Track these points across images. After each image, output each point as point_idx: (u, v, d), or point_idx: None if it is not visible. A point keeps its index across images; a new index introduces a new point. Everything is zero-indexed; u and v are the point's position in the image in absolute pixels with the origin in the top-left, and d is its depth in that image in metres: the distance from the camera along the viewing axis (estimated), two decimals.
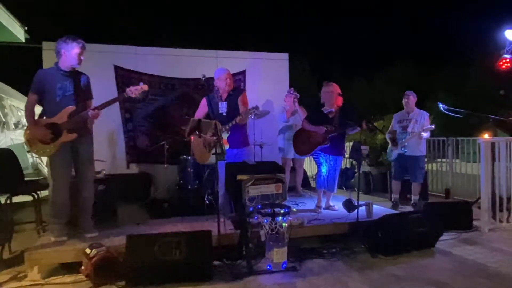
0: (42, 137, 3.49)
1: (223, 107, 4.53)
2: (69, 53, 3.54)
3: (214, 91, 4.67)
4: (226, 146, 4.34)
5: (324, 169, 4.79)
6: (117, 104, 5.76)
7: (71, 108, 3.54)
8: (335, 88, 4.71)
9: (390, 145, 5.69)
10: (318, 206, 4.79)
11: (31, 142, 3.52)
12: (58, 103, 3.53)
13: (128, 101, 5.82)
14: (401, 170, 5.61)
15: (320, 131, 4.59)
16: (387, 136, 5.75)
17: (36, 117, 3.61)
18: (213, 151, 3.68)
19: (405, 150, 5.41)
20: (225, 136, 4.36)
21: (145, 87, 3.71)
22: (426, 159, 6.27)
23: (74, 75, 3.65)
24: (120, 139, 6.05)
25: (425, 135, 5.31)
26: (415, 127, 5.40)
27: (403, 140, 5.43)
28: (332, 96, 4.68)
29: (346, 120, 4.59)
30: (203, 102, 4.70)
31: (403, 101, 5.58)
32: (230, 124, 4.34)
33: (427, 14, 22.66)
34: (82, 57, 3.61)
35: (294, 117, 5.80)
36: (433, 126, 5.34)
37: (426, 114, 5.52)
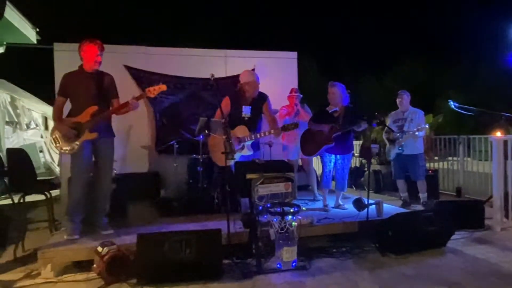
0: (66, 135, 3.61)
1: (246, 111, 4.48)
2: (88, 55, 3.67)
3: (237, 92, 4.59)
4: (249, 152, 4.36)
5: (328, 169, 4.79)
6: None
7: (94, 108, 3.64)
8: (338, 89, 4.72)
9: (387, 145, 5.68)
10: (325, 205, 4.78)
11: (56, 140, 3.65)
12: (82, 104, 3.65)
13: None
14: (400, 169, 5.62)
15: (324, 129, 4.58)
16: (384, 136, 5.76)
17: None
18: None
19: (402, 149, 5.40)
20: (249, 143, 4.39)
21: (163, 87, 3.80)
22: (436, 157, 6.23)
23: (98, 75, 3.76)
24: (130, 138, 6.08)
25: (420, 133, 5.28)
26: (411, 126, 5.38)
27: (400, 139, 5.41)
28: (335, 97, 4.70)
29: (351, 119, 4.58)
30: (226, 101, 4.59)
31: (397, 101, 5.58)
32: (263, 135, 4.34)
33: (437, 10, 22.42)
34: (100, 59, 3.71)
35: (292, 119, 5.71)
36: (427, 126, 5.34)
37: (421, 112, 5.52)
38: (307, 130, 4.85)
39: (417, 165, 5.43)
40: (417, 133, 5.25)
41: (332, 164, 4.80)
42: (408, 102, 5.54)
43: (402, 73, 18.91)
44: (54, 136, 3.67)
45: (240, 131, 4.38)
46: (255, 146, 4.53)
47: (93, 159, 3.78)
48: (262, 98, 4.54)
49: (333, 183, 5.04)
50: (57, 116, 3.71)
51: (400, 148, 5.41)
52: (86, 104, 3.64)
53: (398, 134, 5.45)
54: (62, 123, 3.66)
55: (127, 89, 5.90)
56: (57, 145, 3.65)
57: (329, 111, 4.71)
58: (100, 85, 3.73)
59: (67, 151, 3.65)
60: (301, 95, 5.77)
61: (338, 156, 4.76)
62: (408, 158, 5.43)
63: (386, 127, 5.38)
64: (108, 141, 3.82)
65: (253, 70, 6.36)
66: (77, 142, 3.61)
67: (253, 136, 4.31)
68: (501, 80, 15.31)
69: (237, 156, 4.29)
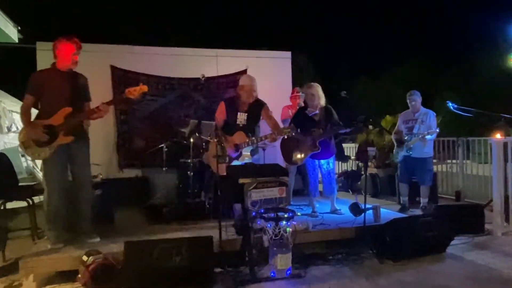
0: (38, 139, 3.49)
1: (241, 118, 4.38)
2: (63, 54, 3.58)
3: (234, 97, 4.53)
4: (249, 159, 4.32)
5: (313, 177, 4.81)
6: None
7: (68, 109, 3.55)
8: (318, 89, 4.74)
9: (396, 147, 5.68)
10: (314, 211, 4.79)
11: (26, 144, 3.53)
12: (55, 105, 3.54)
13: (124, 102, 5.83)
14: (407, 172, 5.59)
15: (306, 142, 4.57)
16: (393, 137, 5.74)
17: (32, 119, 3.62)
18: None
19: (411, 152, 5.39)
20: (248, 150, 4.32)
21: (144, 88, 3.70)
22: (435, 160, 6.27)
23: (72, 76, 3.68)
24: (117, 141, 6.06)
25: (430, 137, 5.27)
26: (421, 128, 5.38)
27: (408, 142, 5.41)
28: (315, 98, 4.71)
29: (331, 121, 4.62)
30: (222, 108, 4.48)
31: (408, 102, 5.56)
32: (260, 140, 4.27)
33: (434, 10, 22.66)
34: (76, 58, 3.63)
35: None
36: (437, 130, 5.31)
37: (432, 114, 5.49)
38: (286, 137, 4.76)
39: (425, 169, 5.41)
40: (426, 136, 5.21)
41: (317, 170, 4.83)
42: (420, 102, 5.51)
43: (399, 73, 19.10)
44: (23, 140, 3.52)
45: (238, 137, 4.30)
46: (253, 151, 4.48)
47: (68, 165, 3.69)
48: (259, 105, 4.42)
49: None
50: (26, 118, 3.56)
51: (408, 151, 5.43)
52: (59, 105, 3.53)
53: (407, 137, 5.46)
54: (33, 126, 3.51)
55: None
56: (27, 150, 3.51)
57: (309, 115, 4.73)
58: (75, 86, 3.64)
59: (39, 157, 3.54)
60: (304, 94, 5.81)
61: (322, 161, 4.78)
62: (416, 161, 5.41)
63: (395, 128, 5.37)
64: (83, 144, 3.75)
65: (246, 70, 6.40)
66: (51, 147, 3.50)
67: (250, 142, 4.26)
68: (501, 80, 15.50)
69: (235, 163, 4.28)
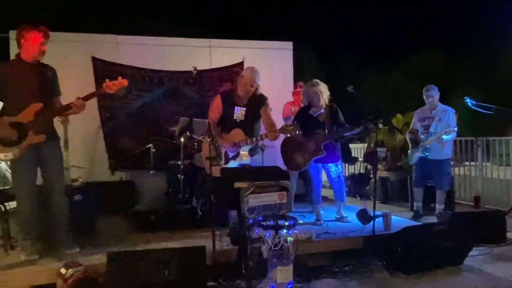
0: (5, 138, 3.45)
1: (240, 113, 4.37)
2: (29, 43, 3.54)
3: (231, 90, 4.52)
4: (247, 160, 4.31)
5: (317, 183, 4.83)
6: (94, 101, 5.77)
7: (37, 105, 3.51)
8: (322, 87, 4.75)
9: (410, 147, 5.68)
10: (318, 219, 4.80)
11: None
12: (22, 100, 3.50)
13: (108, 98, 5.82)
14: (423, 175, 5.58)
15: (310, 145, 4.59)
16: (407, 136, 5.74)
17: None
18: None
19: (427, 153, 5.39)
20: (246, 149, 4.31)
21: (124, 82, 3.66)
22: (451, 163, 6.28)
23: (39, 68, 3.65)
24: (99, 142, 6.05)
25: (447, 137, 5.27)
26: (439, 127, 5.37)
27: (424, 142, 5.40)
28: (319, 97, 4.72)
29: (337, 122, 4.64)
30: (217, 101, 4.48)
31: (424, 98, 5.55)
32: (259, 139, 4.24)
33: None
34: (44, 48, 3.60)
35: None
36: (455, 128, 5.30)
37: (451, 111, 5.48)
38: (289, 139, 4.77)
39: (442, 172, 5.41)
40: (443, 136, 5.19)
41: (321, 175, 4.85)
42: (437, 98, 5.49)
43: (411, 66, 19.14)
44: None
45: (236, 135, 4.30)
46: (252, 152, 4.47)
47: (38, 167, 3.67)
48: (260, 100, 4.40)
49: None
50: None
51: (424, 152, 5.43)
52: (27, 100, 3.49)
53: (423, 136, 5.47)
54: None
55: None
56: None
57: (314, 115, 4.74)
58: (43, 79, 3.61)
59: (6, 158, 3.49)
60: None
61: (330, 164, 4.79)
62: (433, 163, 5.41)
63: (410, 127, 5.36)
64: (55, 144, 3.72)
65: (242, 62, 6.40)
66: (20, 147, 3.47)
67: (249, 140, 4.25)
68: None
69: (232, 164, 4.27)
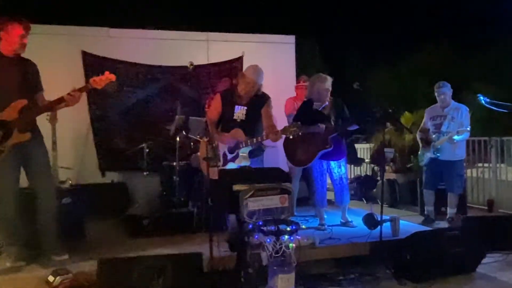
0: None
1: (240, 112, 4.36)
2: (10, 35, 3.53)
3: (231, 89, 4.52)
4: (247, 163, 4.29)
5: (321, 184, 4.83)
6: (84, 98, 5.76)
7: (22, 102, 3.51)
8: (330, 83, 4.78)
9: (421, 147, 5.67)
10: (322, 224, 4.81)
11: None
12: (4, 97, 3.50)
13: (99, 95, 5.82)
14: (434, 177, 5.58)
15: (320, 130, 4.58)
16: (418, 135, 5.73)
17: None
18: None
19: (438, 154, 5.39)
20: (246, 150, 4.29)
21: (111, 76, 3.63)
22: (464, 164, 6.28)
23: (20, 62, 3.64)
24: (89, 141, 6.05)
25: (459, 138, 5.25)
26: (451, 126, 5.37)
27: (435, 142, 5.40)
28: (328, 93, 4.75)
29: (342, 116, 4.66)
30: (217, 100, 4.49)
31: (436, 95, 5.54)
32: (259, 139, 4.22)
33: None
34: (25, 41, 3.59)
35: None
36: (468, 128, 5.28)
37: (465, 109, 5.47)
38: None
39: (454, 174, 5.40)
40: (455, 136, 5.18)
41: (325, 176, 4.85)
42: (450, 96, 5.49)
43: (420, 61, 19.11)
44: None
45: (236, 135, 4.29)
46: (253, 153, 4.45)
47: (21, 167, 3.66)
48: (262, 99, 4.40)
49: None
50: None
51: (435, 153, 5.42)
52: (9, 97, 3.49)
53: (434, 135, 5.47)
54: None
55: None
56: None
57: (319, 109, 4.74)
58: (25, 74, 3.61)
59: None
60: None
61: (332, 163, 4.79)
62: (445, 165, 5.41)
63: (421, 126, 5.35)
64: (40, 142, 3.72)
65: (242, 57, 6.40)
66: (4, 146, 3.45)
67: (249, 141, 4.25)
68: None
69: (231, 166, 4.27)
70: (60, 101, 3.57)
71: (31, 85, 3.66)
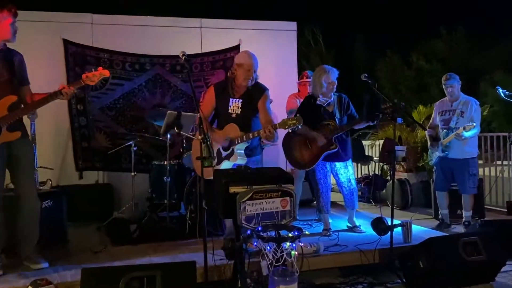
0: None
1: (235, 106, 4.35)
2: (3, 24, 3.52)
3: (226, 80, 4.50)
4: (243, 160, 4.27)
5: (325, 188, 4.82)
6: None
7: (11, 97, 3.53)
8: (335, 76, 4.78)
9: (429, 145, 5.69)
10: (327, 229, 4.81)
11: None
12: None
13: (80, 87, 5.80)
14: (445, 178, 5.58)
15: (319, 139, 4.60)
16: (426, 133, 5.74)
17: None
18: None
19: (447, 152, 5.39)
20: (242, 147, 4.29)
21: (105, 72, 3.66)
22: (480, 162, 6.29)
23: (6, 53, 3.63)
24: (71, 139, 6.03)
25: (468, 134, 5.23)
26: (460, 121, 5.37)
27: (443, 140, 5.40)
28: (333, 87, 4.75)
29: (348, 113, 4.69)
30: (210, 92, 4.50)
31: (444, 88, 5.54)
32: (256, 134, 4.18)
33: None
34: (16, 29, 3.58)
35: None
36: (474, 124, 5.27)
37: (474, 103, 5.45)
38: (291, 133, 4.71)
39: (466, 174, 5.39)
40: (462, 132, 5.19)
41: (329, 178, 4.85)
42: (459, 89, 5.48)
43: (435, 49, 19.15)
44: None
45: (231, 131, 4.27)
46: (251, 151, 4.44)
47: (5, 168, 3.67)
48: (258, 90, 4.38)
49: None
50: None
51: (444, 150, 5.42)
52: None
53: (443, 132, 5.47)
54: None
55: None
56: None
57: (323, 105, 4.75)
58: (11, 67, 3.61)
59: None
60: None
61: (338, 164, 4.80)
62: (455, 163, 5.41)
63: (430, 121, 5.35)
64: (27, 143, 3.74)
65: (238, 46, 6.39)
66: None
67: (245, 137, 4.24)
68: None
69: (226, 165, 4.26)
70: (55, 96, 3.55)
71: (19, 78, 3.67)
